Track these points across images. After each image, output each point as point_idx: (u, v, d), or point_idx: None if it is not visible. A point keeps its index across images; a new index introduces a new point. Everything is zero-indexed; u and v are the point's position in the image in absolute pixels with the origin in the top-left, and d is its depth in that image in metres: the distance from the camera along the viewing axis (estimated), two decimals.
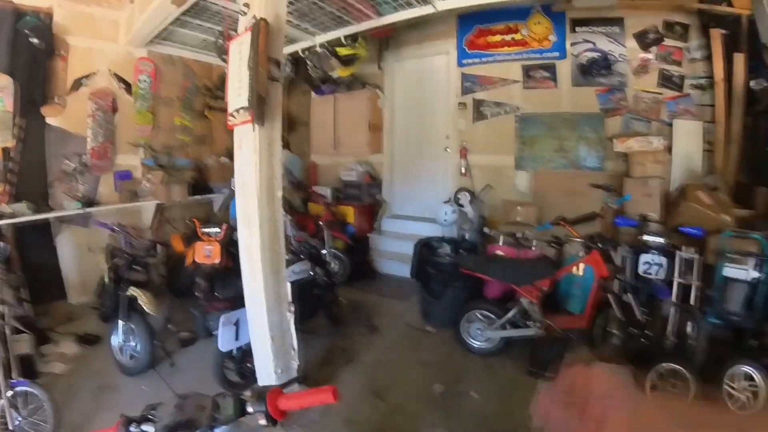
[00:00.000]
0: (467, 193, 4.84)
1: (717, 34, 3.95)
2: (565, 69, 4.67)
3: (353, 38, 4.73)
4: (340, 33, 4.56)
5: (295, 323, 2.78)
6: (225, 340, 2.75)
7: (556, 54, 4.69)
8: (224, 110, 2.79)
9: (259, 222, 2.51)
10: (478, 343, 3.44)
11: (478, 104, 5.14)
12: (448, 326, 3.69)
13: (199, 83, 5.75)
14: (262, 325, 2.59)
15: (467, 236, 4.46)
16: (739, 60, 3.80)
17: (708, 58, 4.11)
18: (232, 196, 3.99)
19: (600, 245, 3.10)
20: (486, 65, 5.09)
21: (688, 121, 4.19)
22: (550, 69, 4.74)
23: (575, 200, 4.17)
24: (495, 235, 4.14)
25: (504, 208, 4.55)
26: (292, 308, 2.77)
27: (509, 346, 3.35)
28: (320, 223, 4.95)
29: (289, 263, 3.14)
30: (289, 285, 2.77)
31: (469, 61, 5.19)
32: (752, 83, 3.75)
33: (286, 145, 6.53)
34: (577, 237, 3.38)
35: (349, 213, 5.61)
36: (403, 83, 5.77)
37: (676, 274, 2.87)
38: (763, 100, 3.73)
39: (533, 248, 3.90)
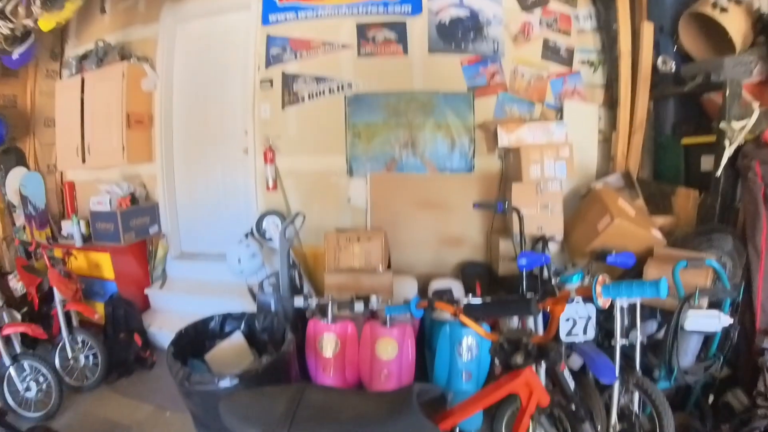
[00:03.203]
0: (279, 219, 3.01)
1: None
2: (418, 29, 3.24)
3: None
4: None
5: None
6: None
7: (407, 8, 3.24)
8: None
9: None
10: None
11: (290, 81, 3.33)
12: None
13: None
14: None
15: (273, 306, 2.53)
16: (648, 30, 2.90)
17: (599, 29, 3.24)
18: None
19: (536, 357, 1.35)
20: (304, 22, 3.34)
21: (582, 104, 3.25)
22: (398, 29, 3.26)
23: (435, 218, 3.11)
24: (316, 305, 2.17)
25: (329, 244, 2.74)
26: None
27: None
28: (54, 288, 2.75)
29: None
30: None
31: (280, 16, 3.37)
32: (659, 61, 2.96)
33: (21, 159, 4.12)
34: (486, 336, 1.48)
35: (104, 262, 3.40)
36: (186, 54, 3.74)
37: (617, 332, 1.82)
38: (669, 82, 2.95)
39: (388, 324, 2.09)
